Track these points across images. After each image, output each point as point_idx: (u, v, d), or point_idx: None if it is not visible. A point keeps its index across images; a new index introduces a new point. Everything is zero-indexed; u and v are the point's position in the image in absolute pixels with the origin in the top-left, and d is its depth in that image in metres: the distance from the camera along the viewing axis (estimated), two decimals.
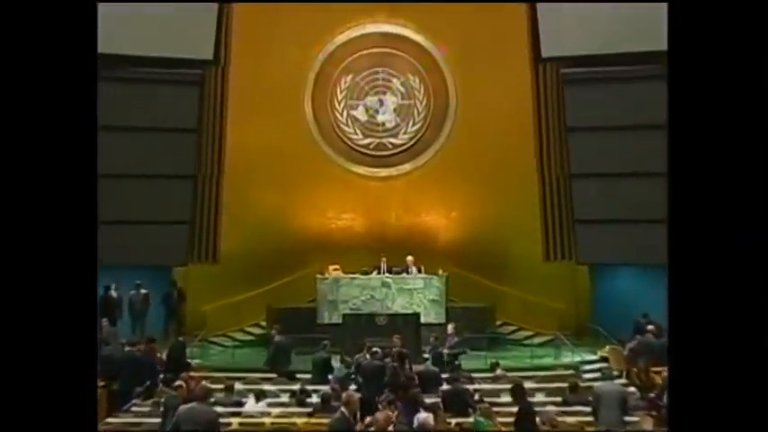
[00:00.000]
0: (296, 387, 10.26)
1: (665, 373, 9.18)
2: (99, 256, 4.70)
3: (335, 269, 15.80)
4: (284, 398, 9.90)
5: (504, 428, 7.61)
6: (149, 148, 15.83)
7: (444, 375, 10.60)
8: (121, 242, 14.81)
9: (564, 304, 16.30)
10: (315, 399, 9.08)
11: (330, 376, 10.89)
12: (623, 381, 11.05)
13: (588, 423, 8.16)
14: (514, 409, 7.73)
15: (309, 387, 10.19)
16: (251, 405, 9.13)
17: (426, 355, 12.58)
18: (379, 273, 15.64)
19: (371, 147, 17.73)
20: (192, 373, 10.16)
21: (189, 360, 11.95)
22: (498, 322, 16.14)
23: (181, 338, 12.20)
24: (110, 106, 13.44)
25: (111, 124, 14.09)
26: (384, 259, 15.75)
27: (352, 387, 9.67)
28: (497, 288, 16.44)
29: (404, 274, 15.60)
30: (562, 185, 17.01)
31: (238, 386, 10.04)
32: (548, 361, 14.02)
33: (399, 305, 15.27)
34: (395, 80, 17.65)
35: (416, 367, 10.42)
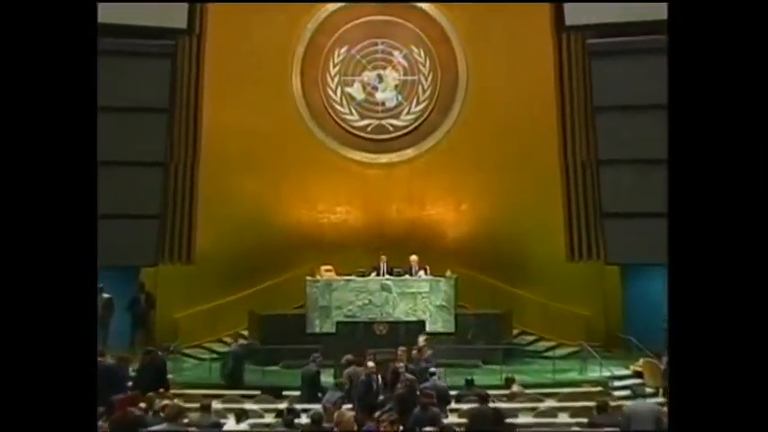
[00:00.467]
0: (282, 406, 10.28)
1: None
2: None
3: (328, 270, 15.83)
4: (269, 418, 9.97)
5: None
6: (113, 130, 15.68)
7: (453, 393, 10.68)
8: None
9: (591, 310, 16.36)
10: (304, 419, 9.09)
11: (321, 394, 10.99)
12: (659, 399, 11.01)
13: None
14: None
15: (298, 406, 10.16)
16: (231, 427, 9.13)
17: (433, 369, 12.52)
18: (378, 274, 15.69)
19: (369, 129, 17.82)
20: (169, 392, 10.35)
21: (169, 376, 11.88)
22: (515, 331, 16.23)
23: (160, 353, 12.16)
24: None
25: None
26: (384, 259, 15.78)
27: (347, 406, 9.71)
28: (514, 292, 16.54)
29: (406, 276, 15.61)
30: (588, 174, 16.97)
31: (216, 405, 10.04)
32: (572, 376, 14.03)
33: (401, 312, 15.31)
34: (396, 53, 17.78)
35: (423, 383, 10.35)
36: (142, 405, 8.38)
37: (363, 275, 15.66)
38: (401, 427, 7.31)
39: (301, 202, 17.54)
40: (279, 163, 17.12)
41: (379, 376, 10.37)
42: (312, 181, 17.44)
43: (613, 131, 16.33)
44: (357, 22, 17.60)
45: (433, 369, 11.32)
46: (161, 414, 7.71)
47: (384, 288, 15.50)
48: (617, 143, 16.28)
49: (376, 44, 17.72)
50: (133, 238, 15.91)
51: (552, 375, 13.92)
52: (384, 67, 17.73)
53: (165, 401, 8.72)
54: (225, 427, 9.03)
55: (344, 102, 17.80)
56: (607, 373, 13.78)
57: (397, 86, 17.74)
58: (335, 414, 6.78)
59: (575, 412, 10.19)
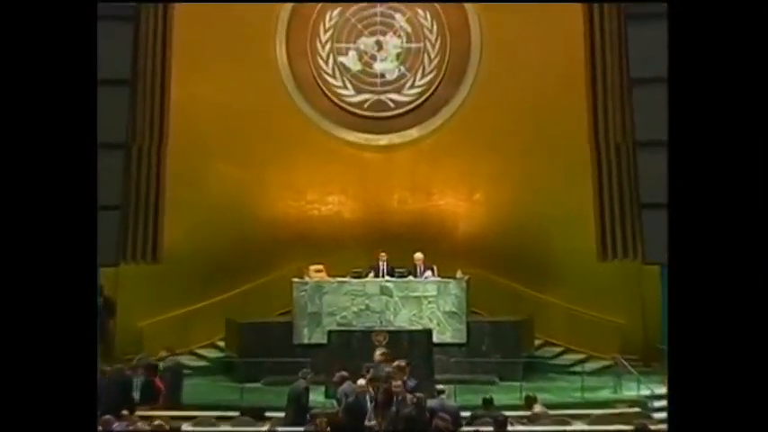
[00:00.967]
0: (265, 429, 10.34)
1: None
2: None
3: (318, 271, 15.81)
4: None
5: None
6: None
7: (465, 414, 10.63)
8: None
9: (626, 318, 16.33)
10: None
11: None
12: None
13: None
14: None
15: (281, 429, 10.24)
16: None
17: (441, 387, 12.37)
18: (376, 275, 15.67)
19: (366, 106, 17.83)
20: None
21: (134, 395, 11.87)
22: (537, 342, 16.26)
23: (128, 371, 12.17)
24: None
25: None
26: (383, 257, 15.75)
27: None
28: (536, 296, 16.56)
29: (410, 278, 15.60)
30: (624, 158, 16.92)
31: (187, 428, 10.11)
32: (605, 395, 14.01)
33: (404, 319, 15.28)
34: (398, 16, 17.78)
35: (429, 402, 10.32)
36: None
37: (360, 277, 15.66)
38: None
39: (287, 191, 17.58)
40: (261, 145, 17.18)
41: (375, 394, 10.33)
42: (300, 166, 17.43)
43: (653, 108, 16.07)
44: None
45: (440, 387, 11.34)
46: None
47: (384, 291, 15.48)
48: (657, 122, 15.87)
49: (374, 6, 17.76)
50: None
51: (581, 394, 13.92)
52: (384, 33, 17.75)
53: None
54: None
55: (337, 73, 17.80)
56: (646, 392, 13.72)
57: (398, 55, 17.80)
58: None
59: None
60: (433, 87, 17.70)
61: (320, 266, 15.89)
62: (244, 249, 16.70)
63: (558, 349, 16.43)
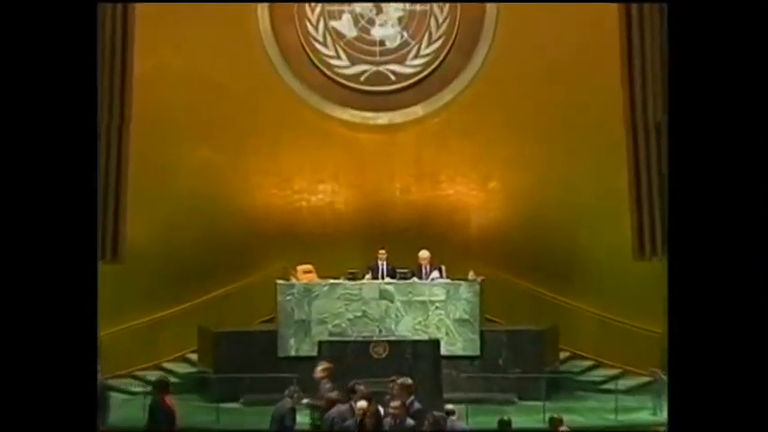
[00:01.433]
0: None
1: None
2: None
3: (307, 272, 15.79)
4: None
5: None
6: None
7: None
8: None
9: (666, 327, 16.08)
10: None
11: None
12: None
13: None
14: None
15: None
16: None
17: (450, 407, 12.23)
18: (375, 276, 15.70)
19: (363, 78, 17.74)
20: None
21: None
22: (563, 354, 16.28)
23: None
24: None
25: None
26: (383, 255, 15.76)
27: None
28: (562, 301, 16.59)
29: (414, 279, 15.60)
30: (664, 143, 16.55)
31: None
32: (642, 417, 13.95)
33: (408, 327, 15.27)
34: None
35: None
36: None
37: (355, 278, 15.62)
38: None
39: (270, 179, 17.55)
40: (239, 125, 17.15)
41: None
42: (285, 149, 17.42)
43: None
44: None
45: (450, 407, 11.26)
46: None
47: (383, 295, 15.44)
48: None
49: None
50: None
51: (614, 416, 13.93)
52: None
53: None
54: None
55: (329, 41, 17.75)
56: None
57: (401, 20, 17.74)
58: None
59: None
60: (441, 57, 17.60)
61: (309, 266, 15.85)
62: (220, 246, 16.70)
63: (587, 363, 16.41)
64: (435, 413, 9.86)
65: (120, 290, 16.08)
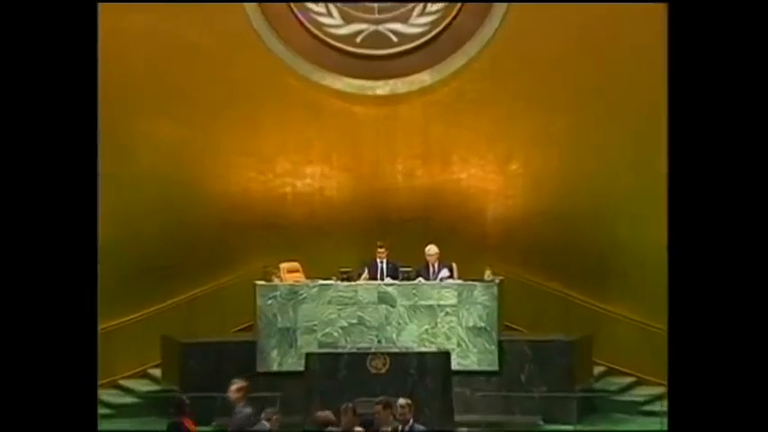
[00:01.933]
0: None
1: None
2: None
3: (292, 270, 15.75)
4: None
5: None
6: None
7: None
8: None
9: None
10: None
11: None
12: None
13: None
14: None
15: None
16: None
17: (463, 431, 13.11)
18: (373, 277, 15.64)
19: (360, 40, 17.66)
20: None
21: None
22: (597, 369, 16.23)
23: None
24: None
25: None
26: (383, 252, 15.66)
27: None
28: (597, 307, 16.54)
29: (420, 280, 15.48)
30: None
31: None
32: None
33: (412, 337, 15.17)
34: None
35: None
36: None
37: (350, 278, 15.55)
38: None
39: (249, 160, 17.57)
40: (213, 96, 17.15)
41: None
42: (267, 125, 17.46)
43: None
44: None
45: (463, 431, 12.26)
46: None
47: (383, 299, 15.32)
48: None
49: None
50: None
51: None
52: None
53: None
54: None
55: None
56: None
57: None
58: None
59: None
60: (452, 15, 17.46)
61: (295, 264, 15.81)
62: (188, 241, 16.80)
63: (626, 380, 16.34)
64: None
65: None
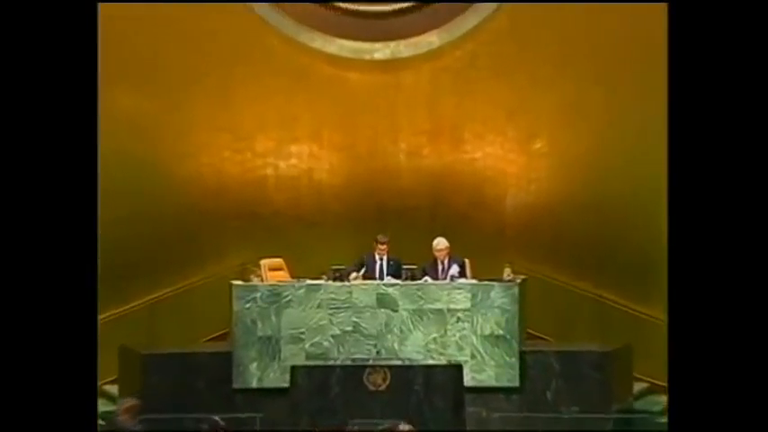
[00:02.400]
0: None
1: None
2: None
3: (275, 268, 15.74)
4: None
5: None
6: None
7: None
8: None
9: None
10: None
11: None
12: None
13: None
14: None
15: None
16: None
17: None
18: (372, 276, 15.52)
19: None
20: None
21: None
22: (638, 386, 16.24)
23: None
24: None
25: None
26: (382, 246, 15.51)
27: None
28: (637, 312, 16.66)
29: (427, 279, 15.34)
30: None
31: None
32: None
33: (417, 347, 15.02)
34: None
35: None
36: None
37: (342, 278, 15.44)
38: None
39: (225, 136, 17.72)
40: (181, 62, 17.34)
41: None
42: (245, 95, 17.61)
43: None
44: None
45: None
46: None
47: (383, 302, 15.12)
48: None
49: None
50: None
51: None
52: None
53: None
54: None
55: None
56: None
57: None
58: None
59: None
60: None
61: (278, 261, 15.84)
62: (152, 233, 16.98)
63: None
64: None
65: None
